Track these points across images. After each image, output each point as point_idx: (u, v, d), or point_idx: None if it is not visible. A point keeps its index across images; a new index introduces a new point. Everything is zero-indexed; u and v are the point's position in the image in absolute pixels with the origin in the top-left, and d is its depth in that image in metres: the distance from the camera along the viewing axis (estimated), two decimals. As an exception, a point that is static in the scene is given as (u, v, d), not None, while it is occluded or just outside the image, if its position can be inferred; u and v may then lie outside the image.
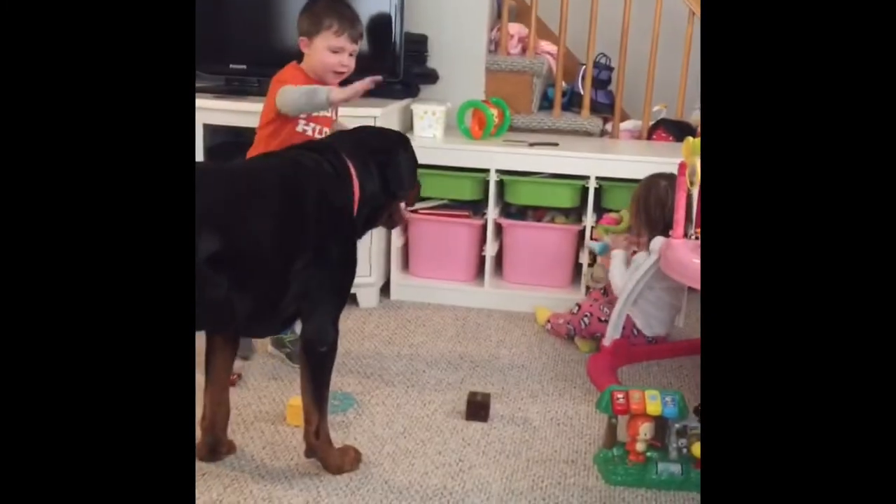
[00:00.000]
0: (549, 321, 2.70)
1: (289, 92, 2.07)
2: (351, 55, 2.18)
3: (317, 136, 2.21)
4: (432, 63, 3.19)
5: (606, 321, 2.48)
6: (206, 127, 2.71)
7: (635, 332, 2.52)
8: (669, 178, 2.49)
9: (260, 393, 2.20)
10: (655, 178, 2.54)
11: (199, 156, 2.72)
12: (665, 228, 2.44)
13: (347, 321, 2.73)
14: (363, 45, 2.94)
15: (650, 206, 2.51)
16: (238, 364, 2.33)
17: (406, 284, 2.97)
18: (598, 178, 2.78)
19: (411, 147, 2.01)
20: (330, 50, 2.15)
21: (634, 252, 2.57)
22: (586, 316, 2.56)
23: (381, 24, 2.90)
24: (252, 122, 2.59)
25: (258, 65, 2.93)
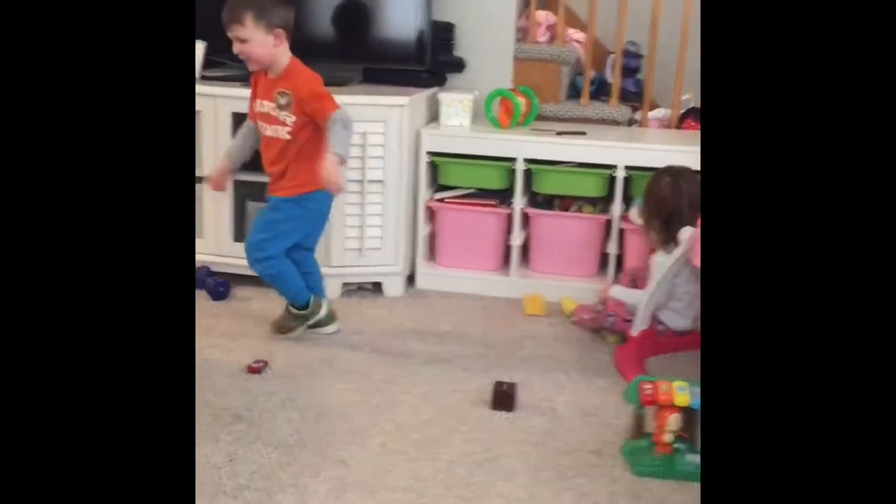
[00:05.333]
0: (575, 313, 2.69)
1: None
2: (242, 41, 2.21)
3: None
4: (459, 51, 3.18)
5: (631, 321, 2.46)
6: (234, 116, 2.72)
7: (661, 328, 2.49)
8: (675, 174, 2.48)
9: (286, 381, 2.22)
10: (660, 175, 2.52)
11: (227, 145, 2.73)
12: (667, 225, 2.42)
13: (373, 310, 2.74)
14: (389, 33, 2.97)
15: (651, 204, 2.50)
16: (265, 353, 2.36)
17: (432, 273, 2.97)
18: (626, 167, 2.76)
19: None
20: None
21: (653, 251, 2.56)
22: (611, 316, 2.53)
23: (408, 13, 2.89)
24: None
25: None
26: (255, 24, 2.20)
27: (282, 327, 2.47)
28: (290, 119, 2.26)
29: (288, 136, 2.27)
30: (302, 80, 2.27)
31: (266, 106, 2.29)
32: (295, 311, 2.44)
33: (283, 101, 2.25)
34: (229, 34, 2.22)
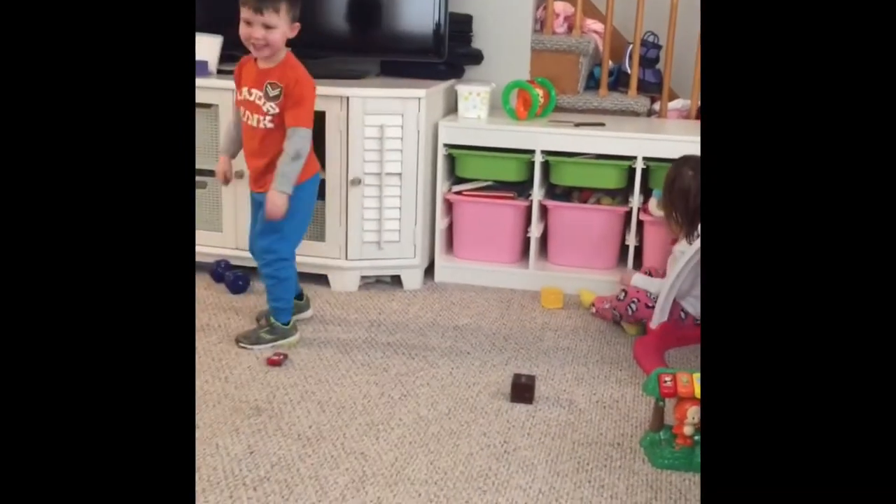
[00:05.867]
0: (594, 304, 2.68)
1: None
2: (268, 28, 2.16)
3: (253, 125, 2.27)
4: (477, 43, 3.17)
5: (654, 307, 2.45)
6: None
7: (683, 315, 2.48)
8: (696, 166, 2.47)
9: (306, 373, 2.22)
10: (681, 168, 2.51)
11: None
12: (692, 217, 2.41)
13: (392, 303, 2.74)
14: (407, 25, 2.96)
15: (675, 196, 2.49)
16: (285, 345, 2.36)
17: (450, 266, 2.97)
18: (645, 158, 2.74)
19: None
20: (244, 22, 2.19)
21: (674, 241, 2.54)
22: (633, 302, 2.52)
23: (425, 5, 2.89)
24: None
25: (303, 47, 2.93)
26: (287, 14, 2.19)
27: (249, 337, 2.37)
28: (275, 110, 2.23)
29: (271, 125, 2.24)
30: (295, 78, 2.22)
31: (254, 94, 2.24)
32: (275, 324, 2.38)
33: (273, 92, 2.22)
34: (255, 17, 2.15)
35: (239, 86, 2.31)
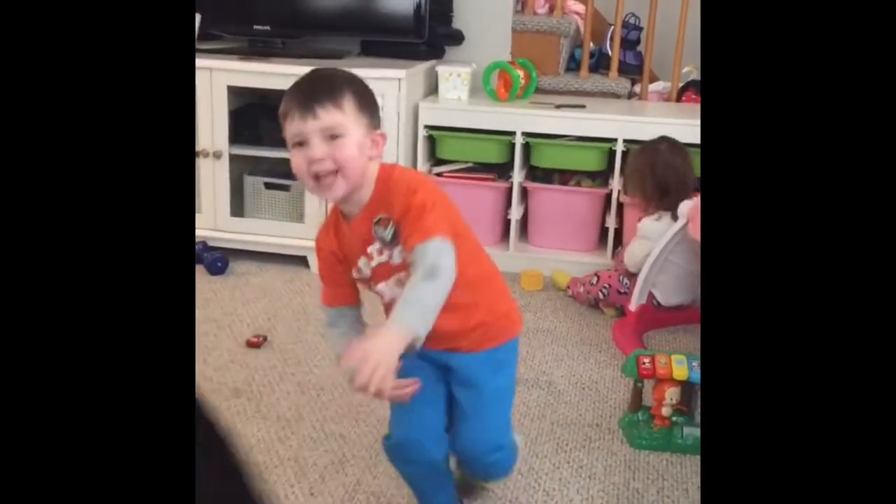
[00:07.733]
0: (569, 287, 2.69)
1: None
2: (333, 137, 1.27)
3: None
4: (458, 24, 3.15)
5: (625, 293, 2.46)
6: (230, 89, 2.70)
7: (655, 303, 2.48)
8: (667, 142, 2.48)
9: (286, 355, 2.22)
10: (654, 144, 2.50)
11: (224, 119, 2.72)
12: (677, 193, 2.38)
13: (372, 284, 2.74)
14: (387, 5, 2.93)
15: (658, 171, 2.44)
16: (264, 327, 2.35)
17: (431, 248, 2.96)
18: (625, 140, 2.74)
19: None
20: (292, 146, 1.30)
21: (640, 218, 2.52)
22: (605, 287, 2.53)
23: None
24: (277, 83, 2.56)
25: (282, 26, 2.91)
26: (359, 111, 1.31)
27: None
28: (405, 253, 1.35)
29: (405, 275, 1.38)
30: (405, 187, 1.33)
31: (376, 257, 1.41)
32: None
33: (387, 231, 1.36)
34: (308, 127, 1.26)
35: (349, 263, 1.47)
